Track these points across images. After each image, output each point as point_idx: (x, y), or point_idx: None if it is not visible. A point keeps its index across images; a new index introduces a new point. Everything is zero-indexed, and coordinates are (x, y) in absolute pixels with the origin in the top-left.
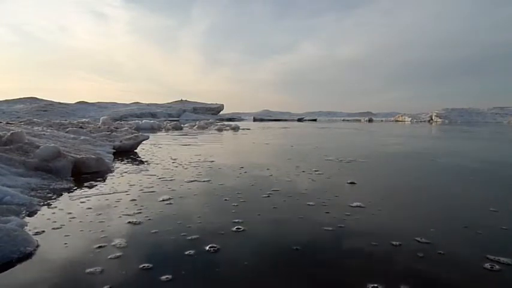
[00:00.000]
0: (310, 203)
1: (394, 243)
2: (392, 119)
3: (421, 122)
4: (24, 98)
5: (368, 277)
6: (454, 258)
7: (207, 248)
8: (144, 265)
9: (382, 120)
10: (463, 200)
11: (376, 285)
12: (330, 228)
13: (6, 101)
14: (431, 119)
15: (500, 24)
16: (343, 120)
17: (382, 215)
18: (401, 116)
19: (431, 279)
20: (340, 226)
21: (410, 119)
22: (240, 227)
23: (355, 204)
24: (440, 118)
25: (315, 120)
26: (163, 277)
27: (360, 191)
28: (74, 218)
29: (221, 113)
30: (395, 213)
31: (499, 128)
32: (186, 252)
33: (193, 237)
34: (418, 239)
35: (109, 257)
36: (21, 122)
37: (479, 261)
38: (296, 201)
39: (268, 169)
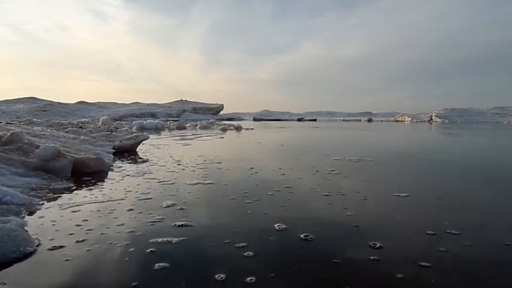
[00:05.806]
0: (326, 194)
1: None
2: (392, 119)
3: (421, 122)
4: (24, 98)
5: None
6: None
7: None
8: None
9: (382, 120)
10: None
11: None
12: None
13: (6, 101)
14: (431, 119)
15: (500, 24)
16: (343, 120)
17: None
18: (401, 116)
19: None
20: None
21: (410, 119)
22: (279, 224)
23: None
24: (440, 118)
25: (314, 120)
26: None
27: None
28: (73, 218)
29: (221, 112)
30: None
31: (498, 127)
32: (245, 254)
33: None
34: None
35: (111, 257)
36: (21, 122)
37: None
38: (318, 196)
39: (280, 169)
